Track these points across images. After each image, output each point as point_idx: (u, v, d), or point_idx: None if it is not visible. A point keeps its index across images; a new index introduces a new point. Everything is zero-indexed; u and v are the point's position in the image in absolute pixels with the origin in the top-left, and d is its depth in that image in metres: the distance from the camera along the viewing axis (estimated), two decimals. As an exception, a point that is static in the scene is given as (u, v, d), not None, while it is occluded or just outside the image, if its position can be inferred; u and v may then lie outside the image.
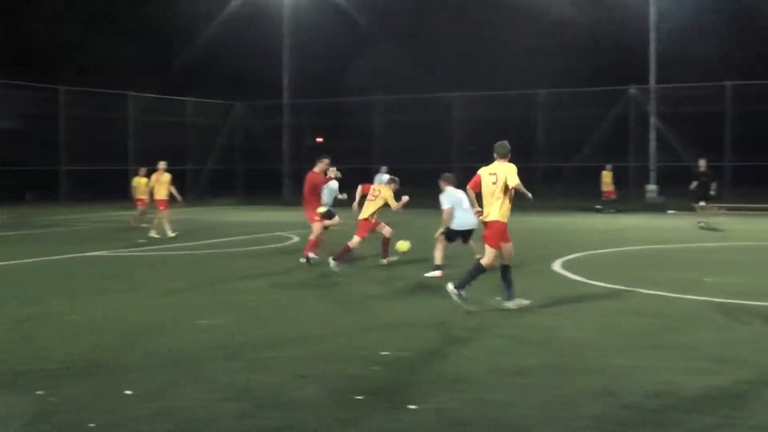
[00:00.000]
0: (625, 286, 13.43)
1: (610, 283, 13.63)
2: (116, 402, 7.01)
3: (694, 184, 27.20)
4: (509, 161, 11.29)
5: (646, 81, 41.42)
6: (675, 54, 42.89)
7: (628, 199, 38.62)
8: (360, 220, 16.45)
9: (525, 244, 20.24)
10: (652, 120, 41.23)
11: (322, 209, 16.59)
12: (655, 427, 6.36)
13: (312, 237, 16.62)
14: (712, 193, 26.74)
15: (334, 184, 17.78)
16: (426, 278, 14.69)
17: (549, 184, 41.49)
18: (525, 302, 11.47)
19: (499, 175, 11.13)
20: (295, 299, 12.68)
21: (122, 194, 37.09)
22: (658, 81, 41.15)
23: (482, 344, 9.27)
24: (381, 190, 16.56)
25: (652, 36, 40.82)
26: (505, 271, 11.47)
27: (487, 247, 11.28)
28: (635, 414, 6.64)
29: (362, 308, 11.84)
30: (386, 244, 16.68)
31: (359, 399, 7.04)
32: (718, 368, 8.08)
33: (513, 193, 11.12)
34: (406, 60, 53.85)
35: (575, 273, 15.14)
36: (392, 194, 16.42)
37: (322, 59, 55.32)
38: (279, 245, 21.26)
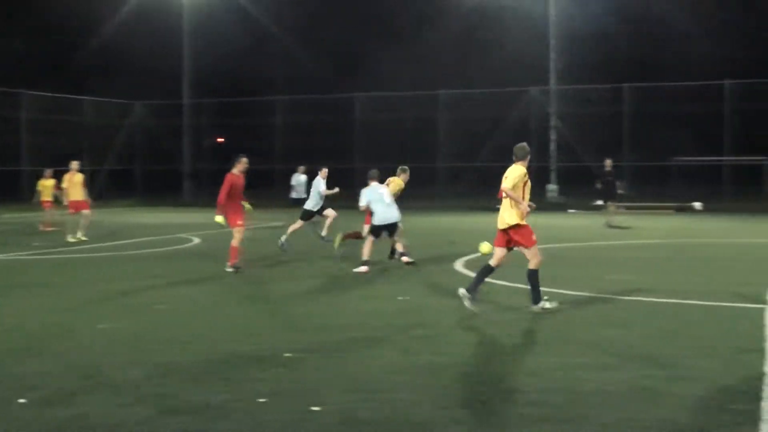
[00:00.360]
0: (526, 284, 13.47)
1: (512, 282, 13.69)
2: (8, 411, 6.69)
3: (599, 184, 27.75)
4: (526, 164, 11.25)
5: (546, 82, 42.08)
6: (574, 56, 43.67)
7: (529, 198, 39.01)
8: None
9: (427, 243, 20.35)
10: (553, 120, 41.90)
11: (219, 219, 15.43)
12: (562, 422, 6.37)
13: (234, 243, 15.60)
14: (620, 192, 27.42)
15: (317, 183, 18.90)
16: (350, 276, 14.70)
17: (451, 184, 41.83)
18: (471, 303, 11.02)
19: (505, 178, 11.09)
20: (202, 301, 12.42)
21: (14, 196, 35.93)
22: (558, 82, 41.85)
23: (391, 343, 9.19)
24: (392, 180, 16.79)
25: (552, 38, 41.47)
26: (487, 270, 11.28)
27: (529, 250, 11.06)
28: (541, 410, 6.65)
29: (271, 308, 11.69)
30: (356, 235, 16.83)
31: (262, 402, 6.88)
32: (622, 363, 8.16)
33: (522, 193, 11.06)
34: (309, 60, 53.66)
35: (475, 272, 15.13)
36: (403, 184, 16.84)
37: (224, 59, 54.68)
38: (181, 247, 20.86)
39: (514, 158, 11.24)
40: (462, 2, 46.58)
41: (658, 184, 39.07)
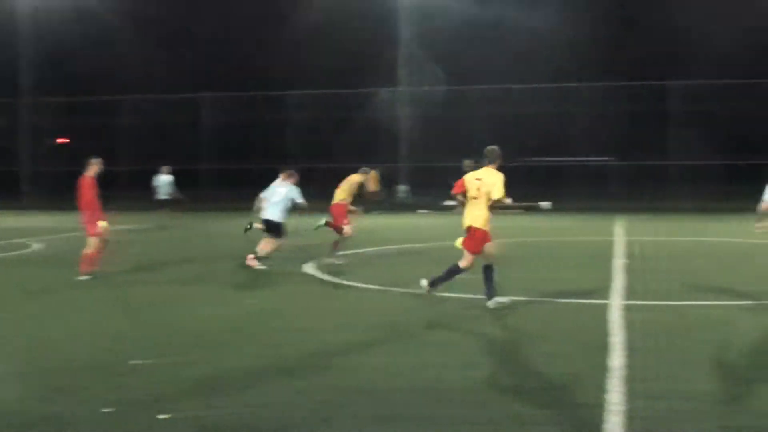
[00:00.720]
0: (380, 285, 13.51)
1: (363, 283, 13.68)
2: None
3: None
4: (498, 168, 11.13)
5: (396, 83, 42.40)
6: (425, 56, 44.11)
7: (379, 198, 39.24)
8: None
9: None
10: (402, 121, 42.26)
11: (102, 224, 14.64)
12: (420, 421, 6.37)
13: (90, 250, 14.57)
14: None
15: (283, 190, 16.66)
16: (206, 280, 14.59)
17: (302, 185, 41.52)
18: (504, 300, 11.23)
19: (484, 182, 10.96)
20: (47, 309, 11.89)
21: None
22: (410, 83, 42.21)
23: (241, 349, 8.99)
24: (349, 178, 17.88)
25: (402, 38, 41.78)
26: (489, 270, 11.22)
27: (468, 254, 11.10)
28: (396, 409, 6.62)
29: (122, 314, 11.24)
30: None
31: (106, 412, 6.57)
32: (473, 361, 8.22)
33: (504, 200, 11.01)
34: (156, 59, 52.40)
35: (327, 274, 15.10)
36: (356, 182, 17.63)
37: (67, 57, 52.69)
38: (19, 253, 19.89)
39: (486, 161, 11.19)
40: (311, 2, 46.45)
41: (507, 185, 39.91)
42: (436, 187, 29.95)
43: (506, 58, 44.26)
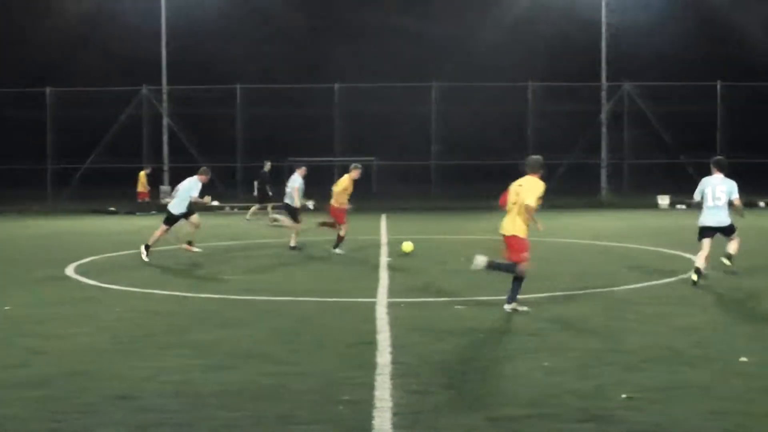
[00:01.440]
0: (142, 287, 13.13)
1: (125, 286, 13.24)
2: None
3: (257, 184, 28.44)
4: (541, 177, 10.94)
5: (159, 82, 41.35)
6: (187, 54, 43.31)
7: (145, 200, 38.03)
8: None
9: (36, 249, 19.21)
10: (165, 121, 41.27)
11: None
12: (174, 426, 6.19)
13: None
14: (270, 194, 28.27)
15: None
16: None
17: (58, 187, 39.84)
18: (524, 308, 10.87)
19: (523, 189, 10.78)
20: None
21: None
22: (171, 82, 41.27)
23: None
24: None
25: (163, 36, 40.79)
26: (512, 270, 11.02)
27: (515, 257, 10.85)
28: (157, 415, 6.42)
29: None
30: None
31: None
32: (239, 363, 8.06)
33: (532, 208, 10.71)
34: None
35: (90, 277, 14.45)
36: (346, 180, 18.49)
37: None
38: None
39: (528, 170, 11.03)
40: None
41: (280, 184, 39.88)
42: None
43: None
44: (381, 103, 40.95)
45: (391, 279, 14.00)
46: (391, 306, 11.22)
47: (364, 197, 38.22)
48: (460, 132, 41.23)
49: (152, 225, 27.72)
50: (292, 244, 18.86)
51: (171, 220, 17.43)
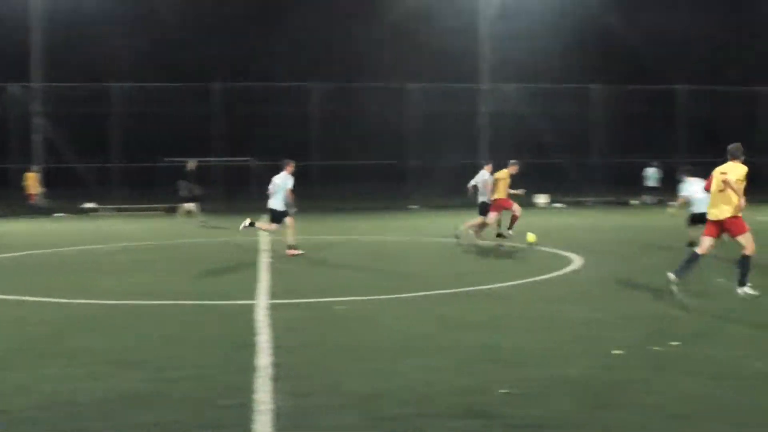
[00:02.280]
0: (13, 295, 12.62)
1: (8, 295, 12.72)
2: None
3: (182, 185, 28.18)
4: (743, 162, 11.79)
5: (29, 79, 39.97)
6: (57, 52, 41.92)
7: (10, 202, 36.64)
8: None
9: None
10: (36, 120, 39.91)
11: None
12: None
13: None
14: (192, 193, 27.93)
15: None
16: None
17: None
18: (754, 293, 11.55)
19: (729, 174, 11.61)
20: None
21: None
22: (46, 79, 39.91)
23: None
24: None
25: (35, 31, 39.47)
26: (695, 257, 11.81)
27: (743, 237, 11.58)
28: (28, 429, 6.20)
29: None
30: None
31: None
32: (116, 370, 7.87)
33: (739, 188, 11.50)
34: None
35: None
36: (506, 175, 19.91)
37: None
38: None
39: (730, 157, 11.83)
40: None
41: (146, 185, 39.16)
42: (74, 189, 28.67)
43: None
44: (263, 103, 40.77)
45: (272, 280, 13.89)
46: (271, 307, 11.11)
47: (241, 198, 38.02)
48: (341, 133, 41.33)
49: (20, 229, 26.88)
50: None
51: (278, 216, 17.94)
